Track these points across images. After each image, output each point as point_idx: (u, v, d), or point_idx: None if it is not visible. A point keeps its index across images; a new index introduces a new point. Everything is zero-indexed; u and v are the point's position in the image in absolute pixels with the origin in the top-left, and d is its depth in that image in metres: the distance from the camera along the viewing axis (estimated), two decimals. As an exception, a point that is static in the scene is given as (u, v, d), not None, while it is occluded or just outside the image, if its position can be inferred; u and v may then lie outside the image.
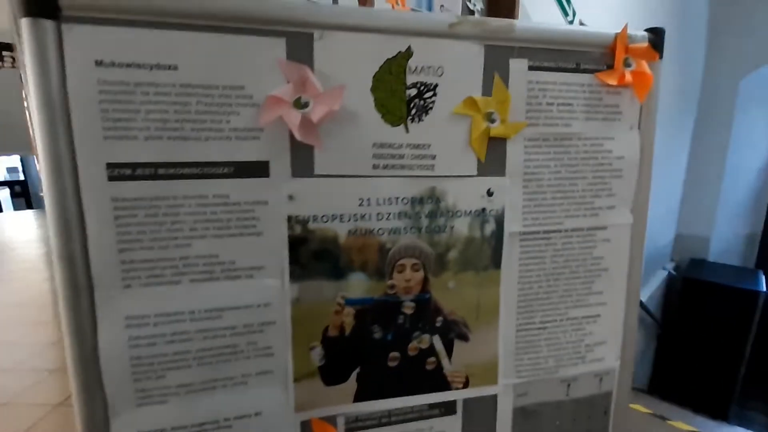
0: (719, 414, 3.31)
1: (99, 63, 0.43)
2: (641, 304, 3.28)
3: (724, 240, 4.02)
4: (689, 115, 3.83)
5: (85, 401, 0.47)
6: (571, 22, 1.86)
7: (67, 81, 0.42)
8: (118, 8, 0.43)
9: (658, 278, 4.00)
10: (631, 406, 2.05)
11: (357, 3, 1.11)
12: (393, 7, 1.20)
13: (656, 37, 0.60)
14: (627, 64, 0.59)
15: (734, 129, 3.70)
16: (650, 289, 3.74)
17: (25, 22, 0.41)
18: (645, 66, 0.59)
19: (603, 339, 0.67)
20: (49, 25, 0.41)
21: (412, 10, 1.25)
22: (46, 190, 0.44)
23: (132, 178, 0.45)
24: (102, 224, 0.45)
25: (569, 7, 1.80)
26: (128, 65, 0.44)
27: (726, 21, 3.53)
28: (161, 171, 0.46)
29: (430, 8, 1.31)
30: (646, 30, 0.61)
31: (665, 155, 3.53)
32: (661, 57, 0.61)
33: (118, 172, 0.45)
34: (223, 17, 0.46)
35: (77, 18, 0.42)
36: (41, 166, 0.43)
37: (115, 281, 0.46)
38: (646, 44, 0.60)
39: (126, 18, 0.43)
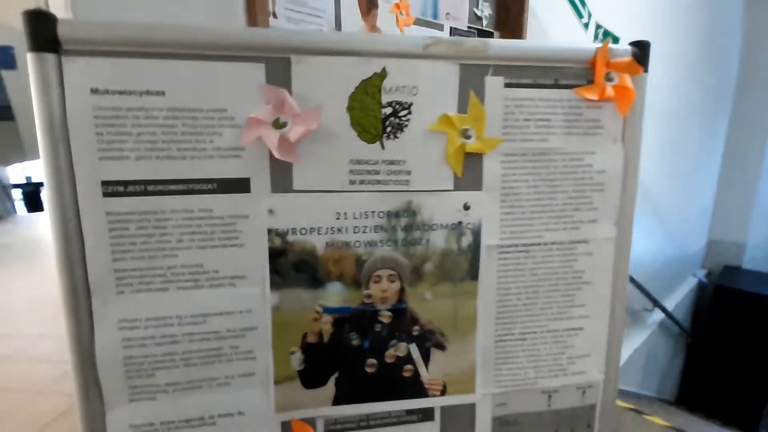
0: (749, 427, 3.15)
1: (94, 90, 0.48)
2: (667, 312, 3.17)
3: (760, 246, 3.80)
4: (723, 114, 3.65)
5: (85, 395, 0.52)
6: (586, 25, 1.82)
7: (67, 107, 0.47)
8: (111, 41, 0.47)
9: (688, 286, 3.84)
10: (648, 417, 1.99)
11: (360, 15, 1.14)
12: (397, 17, 1.22)
13: (641, 50, 0.60)
14: (609, 79, 0.59)
15: (772, 129, 3.50)
16: (678, 297, 3.60)
17: (30, 56, 0.46)
18: (628, 80, 0.59)
19: (586, 352, 0.67)
20: (50, 58, 0.46)
21: (417, 19, 1.26)
22: (48, 205, 0.49)
23: (124, 194, 0.50)
24: (98, 236, 0.50)
25: (584, 8, 1.77)
26: (120, 92, 0.48)
27: (762, 18, 3.34)
28: (150, 188, 0.50)
29: (435, 16, 1.32)
30: (631, 43, 0.60)
31: (697, 157, 3.38)
32: (646, 70, 0.61)
33: (112, 189, 0.49)
34: (206, 46, 0.49)
35: (75, 51, 0.47)
36: (45, 182, 0.48)
37: (109, 288, 0.51)
38: (629, 58, 0.59)
39: (118, 50, 0.47)
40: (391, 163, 0.56)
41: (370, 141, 0.55)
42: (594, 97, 0.59)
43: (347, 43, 0.52)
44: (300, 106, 0.52)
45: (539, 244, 0.62)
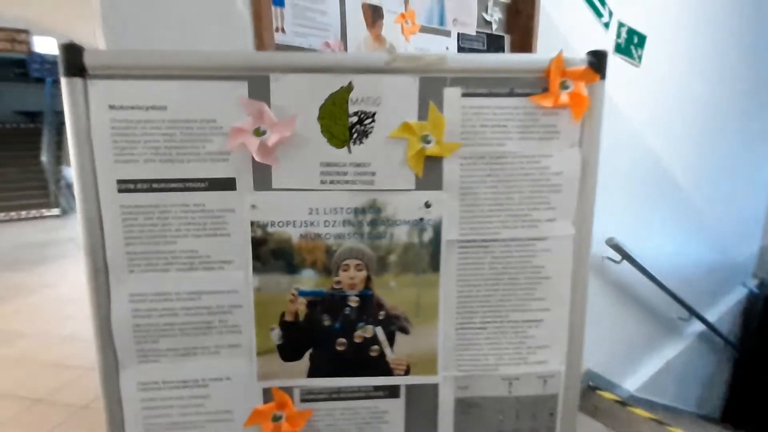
0: (799, 451, 2.91)
1: (112, 107, 0.59)
2: (706, 322, 2.99)
3: (818, 255, 3.48)
4: (774, 112, 3.38)
5: (103, 357, 0.64)
6: (606, 24, 1.79)
7: (91, 120, 0.59)
8: (124, 67, 0.58)
9: (736, 296, 3.60)
10: (672, 430, 1.92)
11: (365, 24, 1.22)
12: (402, 26, 1.29)
13: (597, 59, 0.64)
14: (565, 86, 0.63)
15: (833, 127, 3.21)
16: (724, 308, 3.38)
17: (63, 80, 0.58)
18: (582, 87, 0.63)
19: (546, 343, 0.71)
20: (79, 81, 0.58)
21: (423, 26, 1.32)
22: (77, 200, 0.61)
23: (134, 190, 0.61)
24: (113, 225, 0.61)
25: (603, 8, 1.74)
26: (131, 107, 0.59)
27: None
28: (155, 185, 0.61)
29: (442, 22, 1.37)
30: (588, 53, 0.64)
31: (744, 159, 3.17)
32: (603, 78, 0.64)
33: (125, 186, 0.61)
34: (199, 68, 0.59)
35: (97, 75, 0.58)
36: (74, 181, 0.60)
37: (123, 267, 0.62)
38: (584, 67, 0.63)
39: (130, 73, 0.59)
40: (358, 165, 0.63)
41: (339, 146, 0.63)
42: (548, 104, 0.63)
43: (317, 62, 0.61)
44: (277, 117, 0.61)
45: (498, 240, 0.67)
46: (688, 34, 2.26)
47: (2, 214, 6.55)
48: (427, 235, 0.66)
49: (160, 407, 0.66)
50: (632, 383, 2.56)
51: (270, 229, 0.64)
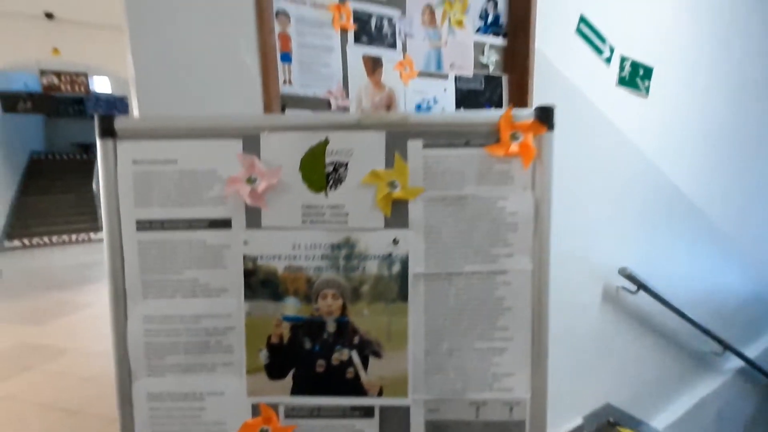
0: None
1: (135, 161, 0.73)
2: (747, 359, 2.81)
3: None
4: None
5: (120, 369, 0.76)
6: (608, 60, 1.85)
7: (118, 172, 0.73)
8: (146, 130, 0.72)
9: (783, 329, 3.36)
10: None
11: (365, 73, 1.35)
12: (401, 72, 1.41)
13: (544, 113, 0.72)
14: (515, 137, 0.72)
15: None
16: (766, 343, 3.17)
17: (99, 141, 0.72)
18: (530, 139, 0.71)
19: (510, 371, 0.76)
20: (110, 142, 0.72)
21: (421, 72, 1.44)
22: (104, 236, 0.74)
23: (150, 229, 0.74)
24: (132, 257, 0.74)
25: (603, 44, 1.80)
26: (150, 162, 0.73)
27: None
28: (166, 225, 0.74)
29: (439, 67, 1.49)
30: (536, 108, 0.72)
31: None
32: (550, 129, 0.72)
33: (142, 225, 0.73)
34: (204, 129, 0.72)
35: (125, 137, 0.72)
36: (103, 220, 0.74)
37: (138, 293, 0.75)
38: (531, 120, 0.71)
39: (149, 134, 0.72)
40: (334, 207, 0.73)
41: (318, 191, 0.73)
42: (500, 153, 0.71)
43: (299, 122, 0.72)
44: (266, 167, 0.72)
45: (461, 274, 0.74)
46: (699, 60, 2.27)
47: (55, 237, 7.16)
48: (396, 269, 0.74)
49: (164, 417, 0.77)
50: (661, 421, 2.44)
51: (259, 262, 0.74)
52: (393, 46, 1.35)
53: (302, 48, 1.19)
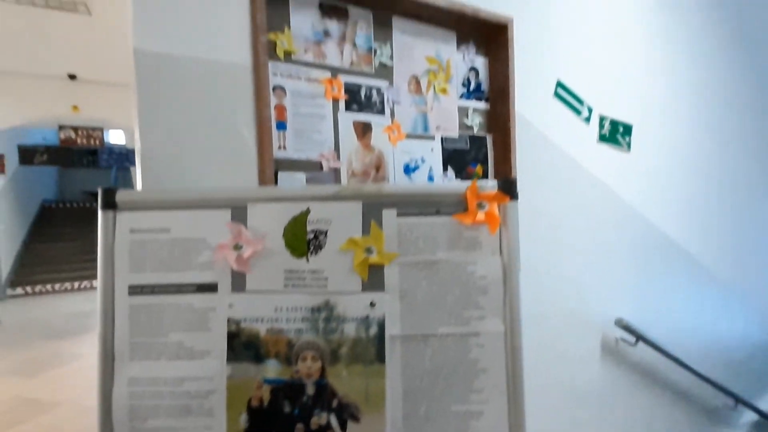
0: None
1: (132, 230, 0.79)
2: (761, 413, 2.68)
3: None
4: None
5: (103, 429, 0.77)
6: (587, 119, 1.96)
7: (115, 240, 0.79)
8: (143, 201, 0.79)
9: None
10: None
11: (356, 137, 1.45)
12: (390, 135, 1.51)
13: (506, 184, 0.78)
14: (482, 206, 0.77)
15: None
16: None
17: (100, 212, 0.79)
18: (495, 208, 0.77)
19: (487, 435, 0.76)
20: (111, 213, 0.79)
21: (408, 134, 1.54)
22: (98, 300, 0.78)
23: (141, 293, 0.78)
24: (123, 320, 0.78)
25: (581, 105, 1.92)
26: (146, 231, 0.79)
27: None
28: (156, 289, 0.78)
29: (426, 129, 1.59)
30: (499, 180, 0.79)
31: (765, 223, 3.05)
32: (513, 198, 0.78)
33: (134, 290, 0.78)
34: (196, 201, 0.79)
35: (123, 208, 0.79)
36: (98, 285, 0.79)
37: (126, 355, 0.78)
38: (495, 191, 0.78)
39: (145, 206, 0.79)
40: (314, 272, 0.78)
41: (299, 257, 0.78)
42: (468, 221, 0.77)
43: (283, 194, 0.79)
44: (252, 235, 0.78)
45: (436, 336, 0.77)
46: (678, 111, 2.38)
47: (58, 285, 7.18)
48: (373, 331, 0.78)
49: (143, 483, 0.77)
50: (674, 480, 2.30)
51: (243, 325, 0.78)
52: (382, 112, 1.47)
53: (297, 117, 1.30)
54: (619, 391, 2.11)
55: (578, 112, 1.92)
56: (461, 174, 1.63)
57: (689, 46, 2.42)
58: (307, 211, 0.78)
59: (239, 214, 0.79)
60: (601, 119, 1.99)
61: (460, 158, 1.64)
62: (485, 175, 1.67)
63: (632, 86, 2.14)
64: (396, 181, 1.45)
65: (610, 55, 2.05)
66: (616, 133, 2.05)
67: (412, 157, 1.53)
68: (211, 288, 0.78)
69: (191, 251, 0.79)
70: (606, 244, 2.01)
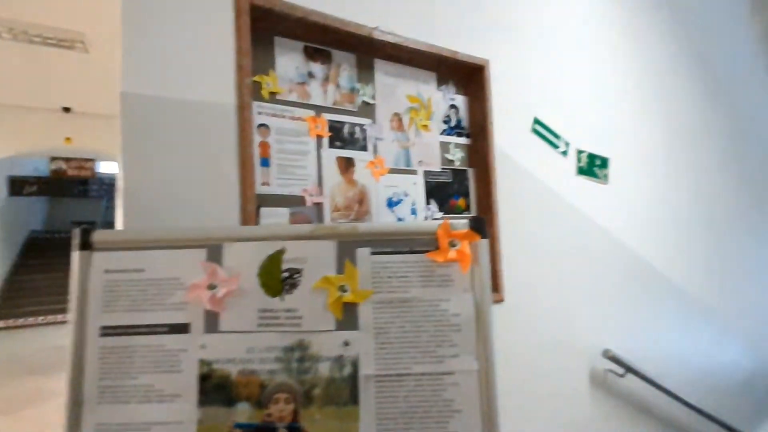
0: None
1: (106, 271, 0.79)
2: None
3: None
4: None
5: (66, 482, 0.74)
6: (564, 153, 2.02)
7: (90, 280, 0.79)
8: (119, 242, 0.80)
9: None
10: None
11: (339, 172, 1.48)
12: (372, 170, 1.55)
13: (476, 223, 0.80)
14: (453, 245, 0.79)
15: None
16: (780, 425, 2.99)
17: (76, 253, 0.79)
18: (466, 246, 0.79)
19: (463, 479, 0.75)
20: (87, 253, 0.79)
21: (391, 169, 1.58)
22: (69, 342, 0.77)
23: (112, 334, 0.78)
24: (93, 362, 0.77)
25: (558, 139, 1.99)
26: (120, 270, 0.79)
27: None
28: (129, 330, 0.78)
29: (408, 164, 1.63)
30: (470, 219, 0.81)
31: (752, 252, 3.10)
32: (483, 237, 0.80)
33: (106, 331, 0.78)
34: (171, 240, 0.80)
35: (99, 248, 0.80)
36: (70, 326, 0.78)
37: (94, 399, 0.76)
38: (466, 230, 0.80)
39: (121, 246, 0.80)
40: (288, 311, 0.78)
41: (273, 295, 0.79)
42: (440, 259, 0.78)
43: (258, 233, 0.80)
44: (227, 274, 0.79)
45: (410, 375, 0.77)
46: (653, 140, 2.46)
47: (41, 318, 6.97)
48: (347, 370, 0.77)
49: None
50: None
51: (215, 366, 0.77)
52: (364, 148, 1.50)
53: (281, 153, 1.33)
54: (610, 424, 2.07)
55: (556, 146, 1.98)
56: (444, 207, 1.66)
57: (660, 79, 2.54)
58: (283, 250, 0.79)
59: (215, 252, 0.80)
60: (579, 153, 2.06)
61: (442, 191, 1.67)
62: (468, 208, 1.71)
63: (607, 121, 2.23)
64: (379, 215, 1.47)
65: (585, 91, 2.14)
66: (593, 166, 2.11)
67: (395, 191, 1.56)
68: (183, 329, 0.78)
69: (165, 291, 0.79)
70: (590, 276, 2.03)
